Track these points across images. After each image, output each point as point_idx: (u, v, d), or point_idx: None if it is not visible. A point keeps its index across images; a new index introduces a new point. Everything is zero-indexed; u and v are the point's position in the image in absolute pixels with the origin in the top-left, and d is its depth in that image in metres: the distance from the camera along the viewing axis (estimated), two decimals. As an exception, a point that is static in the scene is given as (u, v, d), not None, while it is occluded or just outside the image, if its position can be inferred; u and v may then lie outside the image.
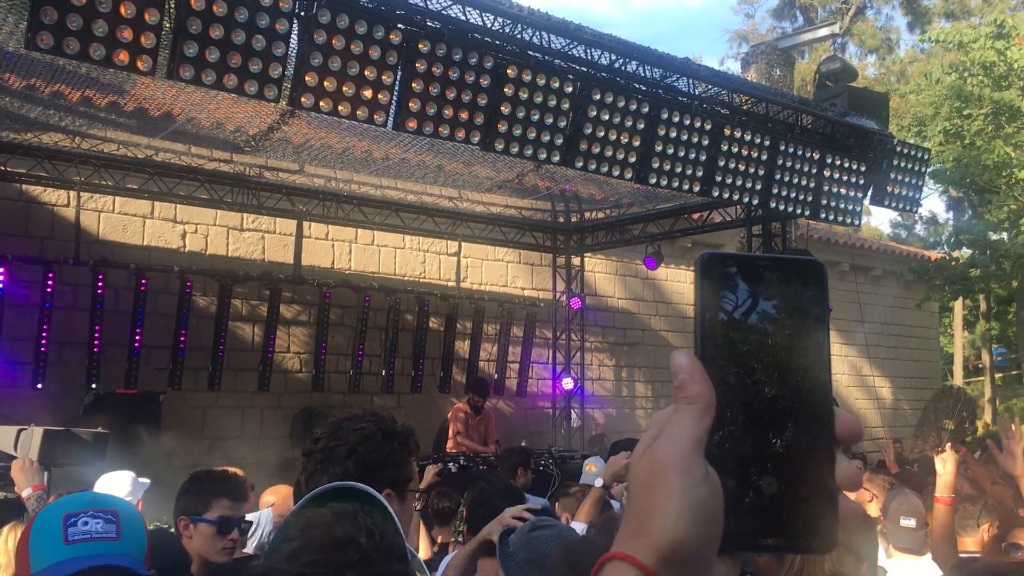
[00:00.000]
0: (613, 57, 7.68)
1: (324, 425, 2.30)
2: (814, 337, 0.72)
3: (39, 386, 9.12)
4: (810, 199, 9.14)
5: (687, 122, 8.02)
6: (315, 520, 1.35)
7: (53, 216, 10.11)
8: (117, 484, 4.57)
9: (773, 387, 0.71)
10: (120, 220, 10.53)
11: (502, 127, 6.96)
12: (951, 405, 8.00)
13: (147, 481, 5.16)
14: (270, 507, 4.68)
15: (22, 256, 9.37)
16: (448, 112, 6.61)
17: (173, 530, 3.40)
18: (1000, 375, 28.86)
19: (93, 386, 9.41)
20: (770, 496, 0.69)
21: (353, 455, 2.19)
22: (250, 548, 4.09)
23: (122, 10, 5.17)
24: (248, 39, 5.61)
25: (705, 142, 8.20)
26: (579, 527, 4.15)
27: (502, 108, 6.90)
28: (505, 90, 6.88)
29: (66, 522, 1.85)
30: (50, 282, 9.30)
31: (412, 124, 6.51)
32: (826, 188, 9.22)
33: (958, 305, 25.50)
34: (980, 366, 29.96)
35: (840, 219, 9.56)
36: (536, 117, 7.09)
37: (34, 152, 9.52)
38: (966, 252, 18.82)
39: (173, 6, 5.44)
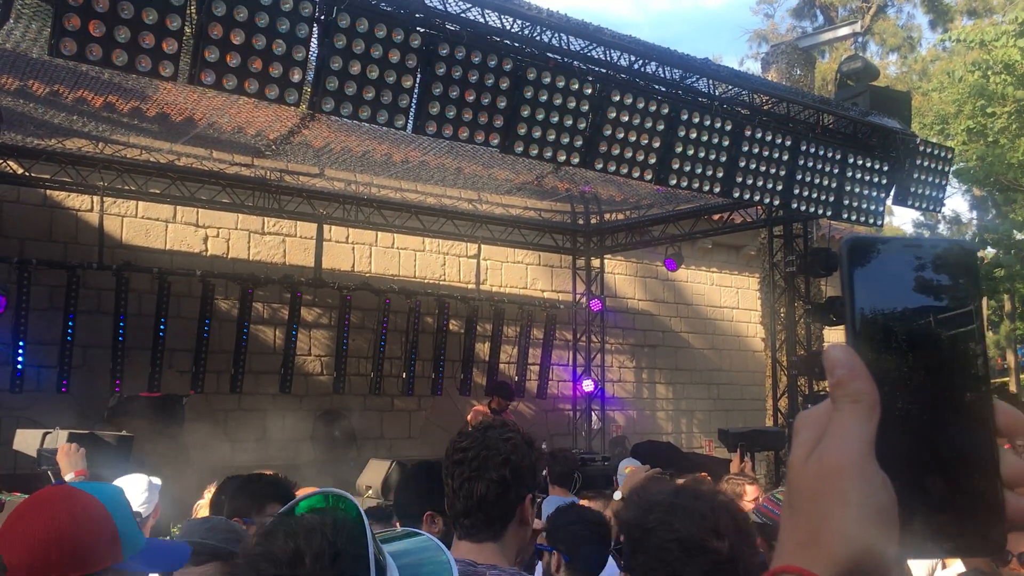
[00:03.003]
0: (632, 58, 7.65)
1: (464, 434, 2.43)
2: (967, 325, 0.67)
3: (64, 389, 9.20)
4: (832, 199, 9.07)
5: (707, 123, 7.98)
6: (280, 527, 1.36)
7: (77, 221, 10.20)
8: (132, 488, 4.58)
9: (929, 379, 0.66)
10: (143, 224, 10.62)
11: (521, 129, 6.95)
12: None
13: (159, 481, 5.20)
14: None
15: (46, 261, 9.47)
16: (468, 115, 6.61)
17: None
18: (1025, 375, 28.52)
19: (117, 390, 9.48)
20: (937, 496, 0.65)
21: (508, 463, 2.31)
22: None
23: (144, 16, 5.20)
24: (269, 44, 5.63)
25: (725, 143, 8.15)
26: None
27: (521, 110, 6.89)
28: (524, 92, 6.87)
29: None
30: (74, 286, 9.38)
31: (432, 127, 6.51)
32: (848, 188, 9.15)
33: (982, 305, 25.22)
34: (1005, 367, 29.66)
35: (862, 219, 9.49)
36: (555, 119, 7.08)
37: (58, 158, 9.61)
38: (990, 252, 18.65)
39: (194, 12, 5.48)
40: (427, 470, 3.44)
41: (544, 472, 7.30)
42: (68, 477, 4.33)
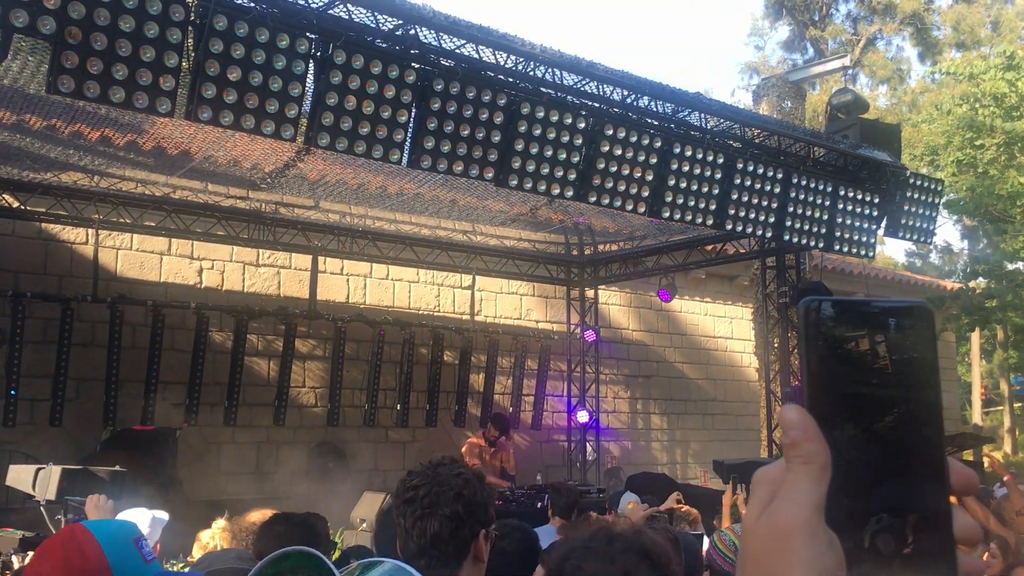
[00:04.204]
0: (625, 93, 7.74)
1: (416, 472, 2.41)
2: (923, 384, 0.68)
3: (57, 423, 9.16)
4: (823, 231, 9.15)
5: (699, 156, 8.06)
6: None
7: (72, 254, 10.22)
8: (136, 523, 4.57)
9: (883, 439, 0.67)
10: (138, 257, 10.63)
11: (516, 163, 7.01)
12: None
13: (165, 517, 5.19)
14: None
15: (41, 294, 9.47)
16: (462, 149, 6.67)
17: None
18: (1019, 404, 28.59)
19: (110, 423, 9.45)
20: (887, 555, 0.65)
21: (460, 498, 2.31)
22: None
23: (142, 53, 5.26)
24: (265, 80, 5.69)
25: (718, 175, 8.23)
26: None
27: (515, 144, 6.95)
28: (518, 126, 6.94)
29: (138, 545, 2.16)
30: (68, 319, 9.38)
31: (427, 161, 6.57)
32: (839, 220, 9.23)
33: (975, 335, 25.35)
34: (998, 396, 29.69)
35: (854, 251, 9.56)
36: (549, 153, 7.14)
37: (53, 191, 9.64)
38: (982, 282, 18.75)
39: (192, 49, 5.54)
40: None
41: (546, 503, 7.30)
42: None
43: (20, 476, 5.84)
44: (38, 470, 5.66)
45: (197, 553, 4.89)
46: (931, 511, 0.67)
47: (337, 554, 5.65)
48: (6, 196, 9.51)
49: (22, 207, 9.60)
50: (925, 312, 0.70)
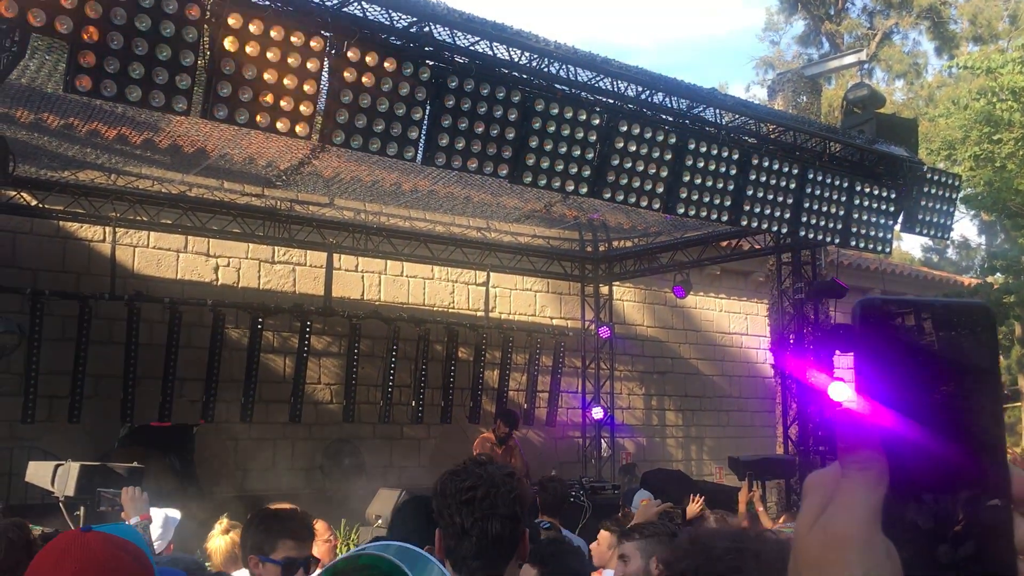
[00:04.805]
0: (640, 89, 7.71)
1: (465, 472, 2.37)
2: (984, 389, 0.65)
3: (76, 420, 9.23)
4: (839, 227, 9.10)
5: (715, 152, 8.02)
6: None
7: (89, 252, 10.28)
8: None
9: (943, 445, 0.64)
10: (154, 255, 10.69)
11: (530, 160, 7.00)
12: None
13: (177, 516, 5.21)
14: None
15: (59, 291, 9.54)
16: (477, 146, 6.67)
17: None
18: (1037, 401, 28.34)
19: (128, 420, 9.51)
20: (946, 565, 0.63)
21: (517, 499, 2.32)
22: None
23: (158, 52, 5.28)
24: (280, 78, 5.71)
25: (733, 171, 8.20)
26: None
27: (530, 141, 6.95)
28: (533, 123, 6.93)
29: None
30: (86, 317, 9.44)
31: (441, 158, 6.57)
32: (856, 215, 9.17)
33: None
34: (1015, 392, 29.48)
35: (870, 246, 9.50)
36: (564, 149, 7.13)
37: (71, 189, 9.71)
38: (999, 277, 18.63)
39: (207, 47, 5.56)
40: (416, 504, 3.43)
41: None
42: (133, 520, 4.42)
43: (39, 472, 5.88)
44: (57, 466, 5.70)
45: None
46: (992, 521, 0.64)
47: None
48: (24, 194, 9.58)
49: (40, 205, 9.67)
50: (984, 312, 0.67)
